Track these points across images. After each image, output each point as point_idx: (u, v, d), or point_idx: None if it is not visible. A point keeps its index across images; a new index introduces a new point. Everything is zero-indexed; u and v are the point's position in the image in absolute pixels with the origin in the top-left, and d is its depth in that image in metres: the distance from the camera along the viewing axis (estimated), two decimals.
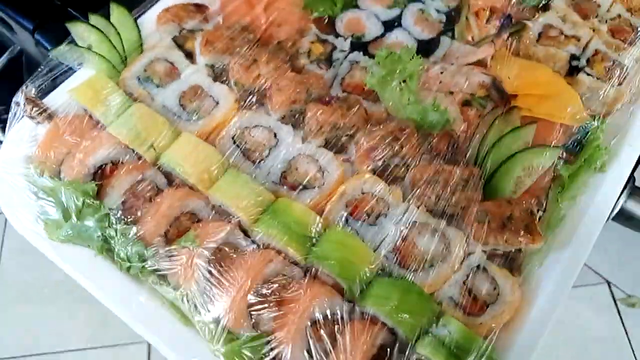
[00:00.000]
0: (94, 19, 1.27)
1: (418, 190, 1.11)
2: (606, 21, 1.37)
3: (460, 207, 1.10)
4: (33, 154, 1.14)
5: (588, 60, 1.30)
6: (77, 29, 1.27)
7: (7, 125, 1.19)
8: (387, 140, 1.13)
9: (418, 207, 1.10)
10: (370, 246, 1.06)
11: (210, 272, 1.00)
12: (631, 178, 1.24)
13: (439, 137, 1.17)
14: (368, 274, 1.01)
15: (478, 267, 1.07)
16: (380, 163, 1.13)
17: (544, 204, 1.16)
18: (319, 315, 0.97)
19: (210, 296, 0.99)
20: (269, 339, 0.96)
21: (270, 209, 1.07)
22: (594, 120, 1.20)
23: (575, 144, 1.20)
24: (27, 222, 1.08)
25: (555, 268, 1.09)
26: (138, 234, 1.02)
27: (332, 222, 1.08)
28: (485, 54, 1.22)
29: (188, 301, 0.99)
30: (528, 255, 1.11)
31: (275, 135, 1.20)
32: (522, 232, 1.05)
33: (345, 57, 1.29)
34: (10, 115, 1.20)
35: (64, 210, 1.05)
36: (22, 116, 1.19)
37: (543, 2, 1.38)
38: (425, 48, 1.34)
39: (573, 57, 1.30)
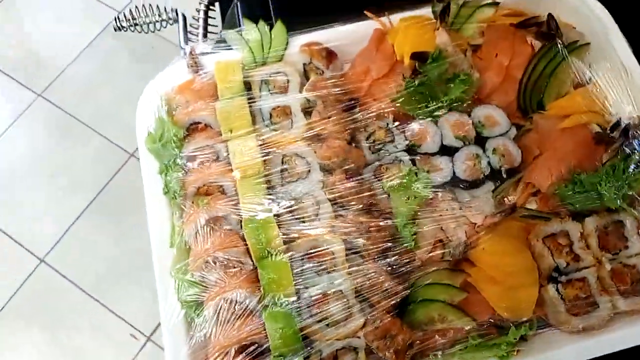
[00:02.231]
0: (261, 25, 1.74)
1: (357, 275, 1.44)
2: (620, 262, 1.46)
3: (375, 304, 1.42)
4: (171, 89, 1.69)
5: (570, 281, 1.44)
6: (250, 26, 1.75)
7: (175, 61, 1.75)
8: (361, 227, 1.47)
9: (350, 283, 1.45)
10: (300, 284, 1.45)
11: (199, 228, 1.49)
12: None
13: (401, 251, 1.47)
14: (281, 298, 1.42)
15: (354, 349, 1.41)
16: (348, 238, 1.48)
17: (444, 351, 1.42)
18: (233, 297, 1.42)
19: (190, 243, 1.49)
20: (200, 290, 1.44)
21: (259, 219, 1.49)
22: (521, 324, 1.39)
23: (498, 327, 1.41)
24: (143, 128, 1.66)
25: None
26: (182, 178, 1.54)
27: (293, 253, 1.48)
28: (475, 220, 1.44)
29: (179, 236, 1.51)
30: None
31: (309, 172, 1.60)
32: (390, 350, 1.35)
33: (395, 152, 1.59)
34: (179, 55, 1.76)
35: (160, 135, 1.60)
36: (187, 62, 1.74)
37: (581, 211, 1.50)
38: (467, 182, 1.58)
39: (557, 269, 1.45)
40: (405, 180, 1.49)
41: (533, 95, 1.65)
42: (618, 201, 1.45)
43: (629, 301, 1.42)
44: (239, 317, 1.41)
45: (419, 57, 1.62)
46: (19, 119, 3.53)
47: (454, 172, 1.57)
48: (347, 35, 1.78)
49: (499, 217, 1.43)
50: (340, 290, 1.44)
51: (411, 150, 1.60)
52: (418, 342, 1.38)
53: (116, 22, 2.13)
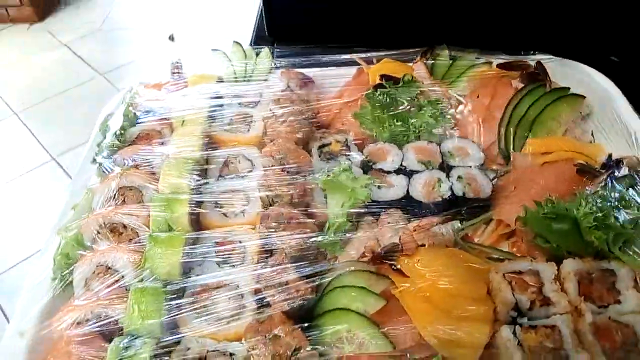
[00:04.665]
0: (249, 50, 1.79)
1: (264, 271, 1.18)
2: (608, 317, 1.08)
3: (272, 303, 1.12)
4: (144, 85, 1.71)
5: (534, 327, 1.07)
6: (237, 48, 1.81)
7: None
8: (281, 219, 1.24)
9: (250, 280, 1.17)
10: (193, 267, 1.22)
11: (110, 192, 1.34)
12: None
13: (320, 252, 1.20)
14: (160, 275, 1.17)
15: (230, 355, 1.07)
16: (266, 231, 1.25)
17: None
18: (111, 263, 1.19)
19: (94, 206, 1.34)
20: (84, 250, 1.24)
21: (171, 194, 1.33)
22: None
23: None
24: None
25: None
26: (118, 147, 1.46)
27: (198, 236, 1.28)
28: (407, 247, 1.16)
29: (87, 200, 1.36)
30: None
31: (250, 172, 1.44)
32: (267, 354, 1.01)
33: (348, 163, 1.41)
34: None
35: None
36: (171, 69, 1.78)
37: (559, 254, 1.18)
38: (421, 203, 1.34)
39: (518, 309, 1.09)
40: (340, 176, 1.28)
41: (516, 138, 1.46)
42: (599, 235, 1.13)
43: None
44: (108, 284, 1.16)
45: (389, 78, 1.54)
46: None
47: (407, 192, 1.35)
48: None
49: (442, 218, 1.16)
50: (237, 286, 1.17)
51: (366, 166, 1.42)
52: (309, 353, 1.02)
53: None
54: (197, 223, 1.32)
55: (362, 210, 1.30)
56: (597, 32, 1.94)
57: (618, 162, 1.27)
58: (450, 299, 1.09)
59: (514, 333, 1.06)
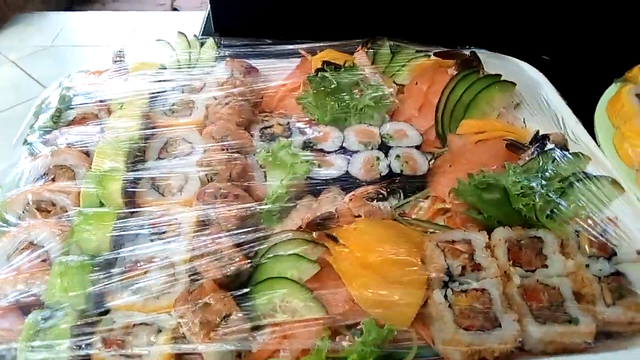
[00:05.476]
0: (193, 40, 1.79)
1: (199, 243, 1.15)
2: (535, 280, 1.10)
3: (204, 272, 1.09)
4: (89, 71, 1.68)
5: (465, 291, 1.08)
6: (183, 38, 1.80)
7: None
8: (219, 194, 1.23)
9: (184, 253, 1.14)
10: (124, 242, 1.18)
11: (39, 169, 1.30)
12: None
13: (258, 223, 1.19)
14: (88, 250, 1.13)
15: (158, 328, 1.03)
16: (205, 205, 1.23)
17: None
18: (35, 238, 1.14)
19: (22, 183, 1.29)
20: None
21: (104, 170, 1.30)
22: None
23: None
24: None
25: None
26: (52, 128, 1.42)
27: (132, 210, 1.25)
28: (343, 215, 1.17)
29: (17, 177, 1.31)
30: None
31: (190, 153, 1.43)
32: (196, 321, 0.98)
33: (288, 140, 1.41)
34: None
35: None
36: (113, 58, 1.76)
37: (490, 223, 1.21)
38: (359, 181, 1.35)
39: (449, 274, 1.10)
40: (280, 152, 1.29)
41: (452, 121, 1.50)
42: (526, 202, 1.17)
43: (546, 328, 1.02)
44: (31, 258, 1.11)
45: (330, 64, 1.56)
46: None
47: (347, 170, 1.36)
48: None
49: (374, 188, 1.18)
50: (169, 258, 1.14)
51: (307, 146, 1.43)
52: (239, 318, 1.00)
53: None
54: (133, 203, 1.28)
55: (302, 184, 1.30)
56: (529, 33, 2.04)
57: (544, 138, 1.32)
58: (385, 265, 1.09)
59: (446, 296, 1.07)
